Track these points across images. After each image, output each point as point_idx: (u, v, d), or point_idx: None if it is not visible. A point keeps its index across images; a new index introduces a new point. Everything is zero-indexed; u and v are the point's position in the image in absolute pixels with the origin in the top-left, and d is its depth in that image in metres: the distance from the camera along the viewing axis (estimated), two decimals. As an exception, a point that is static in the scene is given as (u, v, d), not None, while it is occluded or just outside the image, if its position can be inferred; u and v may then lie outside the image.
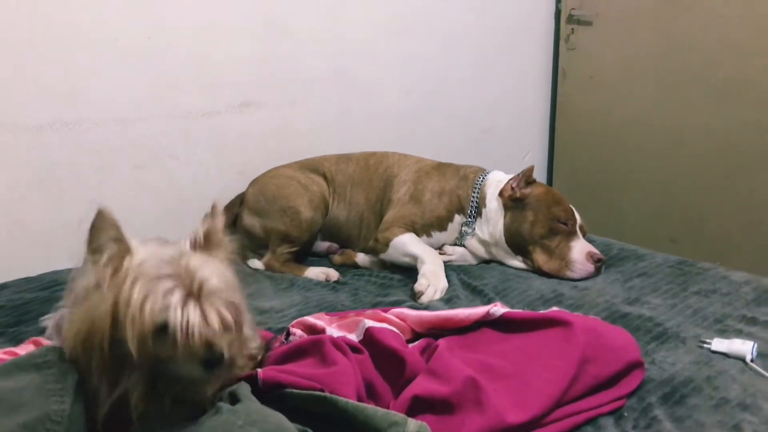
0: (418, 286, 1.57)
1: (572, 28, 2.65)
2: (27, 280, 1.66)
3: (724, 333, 1.31)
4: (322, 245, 1.96)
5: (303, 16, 2.10)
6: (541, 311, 1.22)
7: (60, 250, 1.71)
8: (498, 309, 1.19)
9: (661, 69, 2.41)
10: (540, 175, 2.90)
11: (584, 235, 1.76)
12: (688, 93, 2.35)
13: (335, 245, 1.96)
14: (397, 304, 1.51)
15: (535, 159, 2.85)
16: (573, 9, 2.63)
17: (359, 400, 0.98)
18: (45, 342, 1.11)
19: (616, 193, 2.65)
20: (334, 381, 0.98)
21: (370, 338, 1.13)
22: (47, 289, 1.57)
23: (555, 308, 1.26)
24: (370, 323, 1.16)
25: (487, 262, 1.81)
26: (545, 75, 2.77)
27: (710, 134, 2.31)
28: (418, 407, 1.00)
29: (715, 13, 2.23)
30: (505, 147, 2.74)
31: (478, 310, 1.21)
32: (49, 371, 0.89)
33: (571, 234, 1.71)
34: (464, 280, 1.65)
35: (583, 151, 2.74)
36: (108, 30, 1.78)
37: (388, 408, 0.99)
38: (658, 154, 2.48)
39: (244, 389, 0.96)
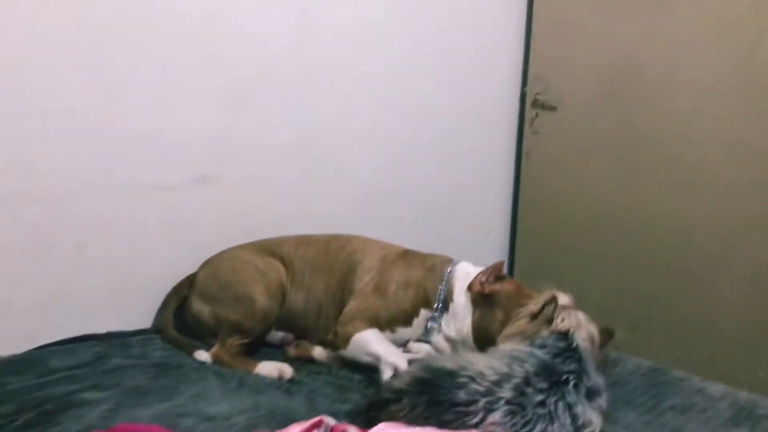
0: (380, 393, 1.46)
1: (537, 113, 2.66)
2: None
3: (705, 459, 1.24)
4: (277, 336, 1.84)
5: (268, 89, 2.02)
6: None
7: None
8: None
9: (622, 156, 2.42)
10: (502, 256, 2.85)
11: (554, 336, 1.68)
12: (647, 181, 2.36)
13: (290, 336, 1.83)
14: (357, 412, 1.40)
15: (498, 239, 2.82)
16: (538, 94, 2.64)
17: None
18: None
19: (577, 278, 2.60)
20: None
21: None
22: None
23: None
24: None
25: (452, 360, 1.72)
26: (509, 157, 2.76)
27: (669, 222, 2.31)
28: None
29: (673, 109, 2.26)
30: (468, 226, 2.69)
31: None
32: None
33: (541, 335, 1.63)
34: (429, 384, 1.54)
35: (546, 234, 2.71)
36: (59, 101, 1.67)
37: None
38: (618, 239, 2.47)
39: None
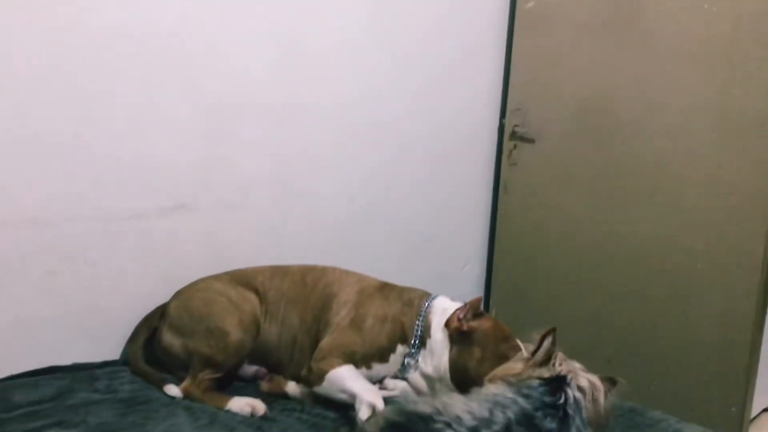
0: (356, 433, 1.42)
1: (515, 144, 2.67)
2: None
3: (685, 507, 1.22)
4: (250, 369, 1.79)
5: (244, 119, 2.00)
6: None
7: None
8: None
9: (599, 188, 2.44)
10: (478, 286, 2.84)
11: (531, 374, 1.67)
12: (624, 213, 2.38)
13: (263, 370, 1.79)
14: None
15: (474, 270, 2.81)
16: (516, 126, 2.65)
17: None
18: None
19: (553, 309, 2.61)
20: None
21: None
22: None
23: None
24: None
25: (429, 398, 1.69)
26: (486, 188, 2.77)
27: (645, 255, 2.33)
28: None
29: (649, 143, 2.29)
30: (445, 257, 2.68)
31: None
32: None
33: (519, 374, 1.61)
34: (406, 423, 1.51)
35: (522, 265, 2.72)
36: (29, 125, 1.62)
37: None
38: (594, 273, 2.48)
39: None
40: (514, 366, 1.42)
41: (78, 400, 1.54)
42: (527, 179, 2.66)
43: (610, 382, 1.40)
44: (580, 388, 1.32)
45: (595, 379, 1.37)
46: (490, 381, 1.40)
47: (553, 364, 1.35)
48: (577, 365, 1.39)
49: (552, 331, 1.40)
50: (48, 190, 1.68)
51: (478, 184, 2.74)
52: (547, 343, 1.38)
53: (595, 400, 1.33)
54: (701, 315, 2.21)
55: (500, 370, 1.45)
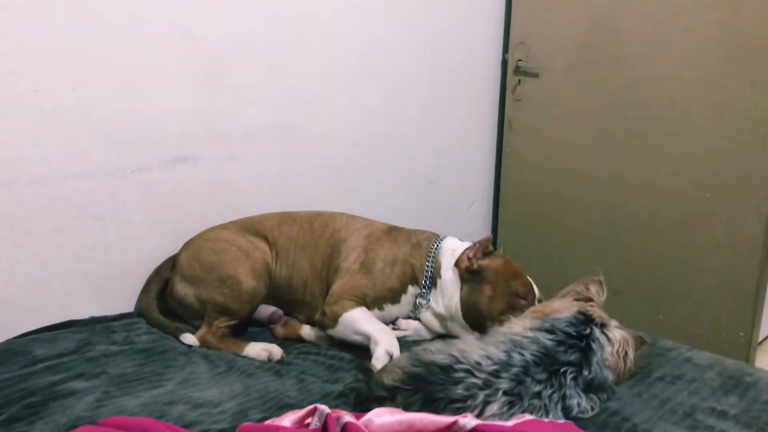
0: (371, 372, 1.45)
1: (519, 80, 2.63)
2: None
3: (695, 430, 1.25)
4: (264, 311, 1.80)
5: (243, 66, 1.96)
6: (512, 422, 1.12)
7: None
8: (468, 421, 1.08)
9: (606, 122, 2.41)
10: (485, 226, 2.85)
11: (542, 309, 1.68)
12: (631, 146, 2.36)
13: (279, 312, 1.81)
14: (350, 392, 1.39)
15: (480, 209, 2.81)
16: (519, 60, 2.60)
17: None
18: None
19: (561, 244, 2.63)
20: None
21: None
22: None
23: (527, 416, 1.17)
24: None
25: (442, 336, 1.71)
26: (491, 126, 2.73)
27: (652, 187, 2.32)
28: None
29: (655, 72, 2.24)
30: (450, 197, 2.68)
31: (442, 419, 1.10)
32: None
33: (529, 309, 1.63)
34: (420, 362, 1.54)
35: (529, 202, 2.71)
36: (24, 81, 1.59)
37: None
38: (600, 206, 2.48)
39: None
40: (551, 304, 1.43)
41: (97, 352, 1.57)
42: (532, 115, 2.63)
43: (640, 340, 1.42)
44: (609, 339, 1.33)
45: (627, 334, 1.38)
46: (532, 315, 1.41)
47: (588, 308, 1.36)
48: (613, 322, 1.40)
49: (599, 280, 1.43)
50: (50, 147, 1.66)
51: (482, 121, 2.70)
52: (594, 287, 1.39)
53: (624, 354, 1.35)
54: (709, 244, 2.22)
55: (540, 306, 1.46)
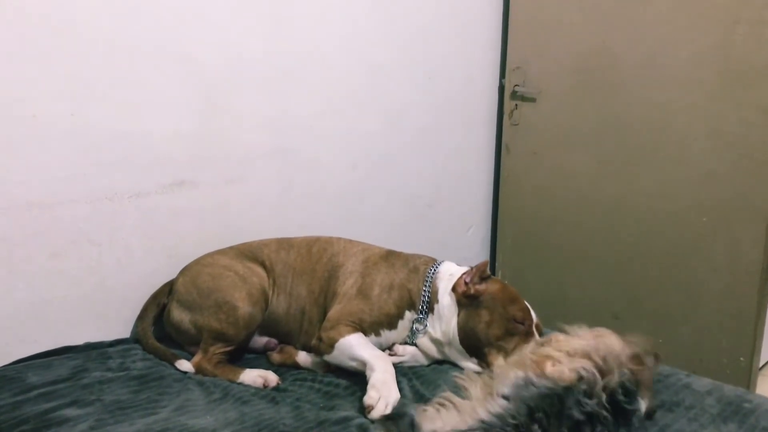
0: (367, 399, 1.44)
1: (516, 104, 2.64)
2: None
3: (696, 459, 1.24)
4: (260, 341, 1.80)
5: (241, 91, 1.98)
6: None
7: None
8: None
9: (603, 146, 2.43)
10: (483, 250, 2.85)
11: (540, 334, 1.67)
12: (628, 170, 2.37)
13: (274, 341, 1.80)
14: (346, 420, 1.38)
15: (479, 233, 2.81)
16: (516, 85, 2.62)
17: None
18: None
19: (559, 268, 2.62)
20: None
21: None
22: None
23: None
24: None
25: (439, 362, 1.70)
26: (489, 150, 2.75)
27: (650, 211, 2.33)
28: None
29: (651, 98, 2.26)
30: (449, 221, 2.68)
31: None
32: None
33: (527, 335, 1.62)
34: (417, 388, 1.53)
35: (527, 226, 2.71)
36: (23, 106, 1.60)
37: None
38: (599, 230, 2.48)
39: None
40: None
41: (92, 379, 1.55)
42: (529, 139, 2.64)
43: (654, 357, 1.43)
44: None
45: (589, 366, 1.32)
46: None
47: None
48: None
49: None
50: (48, 172, 1.67)
51: (480, 145, 2.72)
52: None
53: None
54: (708, 267, 2.22)
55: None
